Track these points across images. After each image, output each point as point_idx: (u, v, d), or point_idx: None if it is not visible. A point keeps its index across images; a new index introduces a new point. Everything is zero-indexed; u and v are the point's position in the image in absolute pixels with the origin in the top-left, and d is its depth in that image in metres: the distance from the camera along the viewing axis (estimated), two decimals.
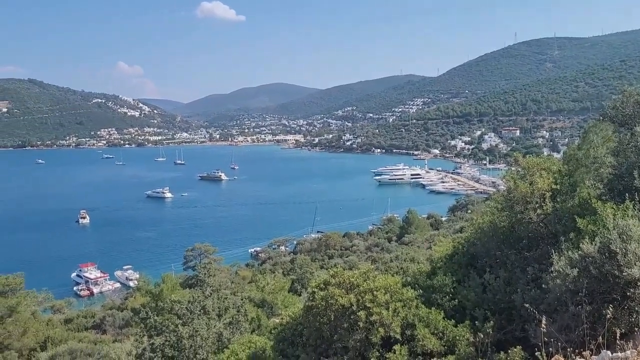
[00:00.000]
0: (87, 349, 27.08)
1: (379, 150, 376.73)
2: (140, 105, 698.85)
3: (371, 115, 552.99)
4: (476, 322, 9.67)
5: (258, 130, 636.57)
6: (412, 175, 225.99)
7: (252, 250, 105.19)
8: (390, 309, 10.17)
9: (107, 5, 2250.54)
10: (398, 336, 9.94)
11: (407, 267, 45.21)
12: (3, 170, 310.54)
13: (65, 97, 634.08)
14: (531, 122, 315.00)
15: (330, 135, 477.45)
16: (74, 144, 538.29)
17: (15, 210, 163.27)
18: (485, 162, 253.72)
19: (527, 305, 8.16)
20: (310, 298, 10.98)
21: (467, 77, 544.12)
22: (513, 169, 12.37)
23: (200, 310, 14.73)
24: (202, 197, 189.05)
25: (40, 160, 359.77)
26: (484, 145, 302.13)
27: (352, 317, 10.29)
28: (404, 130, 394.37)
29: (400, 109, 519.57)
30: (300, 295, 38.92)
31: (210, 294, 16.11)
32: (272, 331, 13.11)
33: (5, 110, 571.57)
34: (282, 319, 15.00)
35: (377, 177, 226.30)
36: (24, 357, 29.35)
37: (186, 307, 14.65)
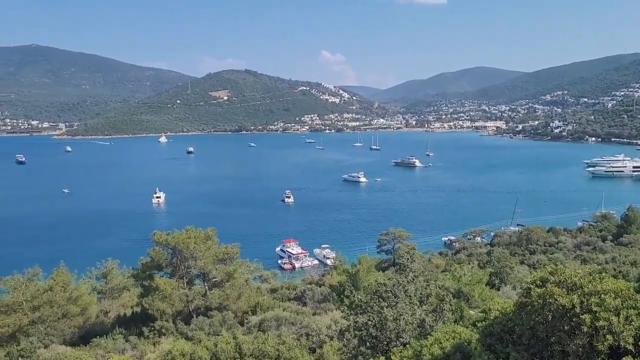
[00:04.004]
0: (290, 318, 29.25)
1: (593, 138, 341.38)
2: (341, 92, 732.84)
3: (585, 100, 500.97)
4: None
5: (455, 116, 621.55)
6: (634, 167, 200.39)
7: (446, 239, 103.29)
8: (622, 315, 9.05)
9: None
10: (630, 347, 8.80)
11: (626, 271, 39.94)
12: (223, 152, 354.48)
13: (275, 85, 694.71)
14: None
15: (536, 122, 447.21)
16: (281, 129, 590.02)
17: (233, 187, 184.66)
18: None
19: None
20: (525, 294, 10.20)
21: None
22: None
23: (403, 295, 14.76)
24: (396, 183, 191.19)
25: (252, 144, 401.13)
26: None
27: (573, 319, 9.38)
28: (626, 116, 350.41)
29: (622, 93, 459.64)
30: (498, 289, 37.02)
31: (413, 279, 16.04)
32: (477, 324, 12.51)
33: (226, 98, 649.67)
34: (483, 312, 14.30)
35: (590, 169, 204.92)
36: (237, 318, 32.77)
37: (391, 290, 14.79)
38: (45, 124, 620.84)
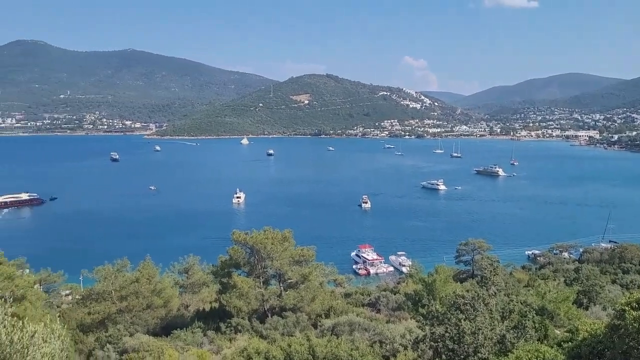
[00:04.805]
0: (363, 324, 28.97)
1: None
2: (422, 97, 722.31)
3: None
4: None
5: (544, 124, 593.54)
6: None
7: (530, 252, 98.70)
8: None
9: (396, 4, 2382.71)
10: None
11: None
12: (302, 155, 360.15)
13: (356, 90, 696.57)
14: None
15: (634, 133, 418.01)
16: (360, 134, 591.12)
17: (311, 189, 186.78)
18: None
19: None
20: (618, 316, 9.43)
21: None
22: None
23: (483, 308, 14.13)
24: (476, 192, 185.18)
25: (330, 148, 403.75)
26: None
27: None
28: None
29: None
30: (586, 309, 34.86)
31: (495, 293, 15.33)
32: (563, 344, 11.76)
33: (306, 102, 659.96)
34: (569, 331, 13.47)
35: None
36: (311, 320, 32.95)
37: (469, 303, 14.21)
38: (137, 124, 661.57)
